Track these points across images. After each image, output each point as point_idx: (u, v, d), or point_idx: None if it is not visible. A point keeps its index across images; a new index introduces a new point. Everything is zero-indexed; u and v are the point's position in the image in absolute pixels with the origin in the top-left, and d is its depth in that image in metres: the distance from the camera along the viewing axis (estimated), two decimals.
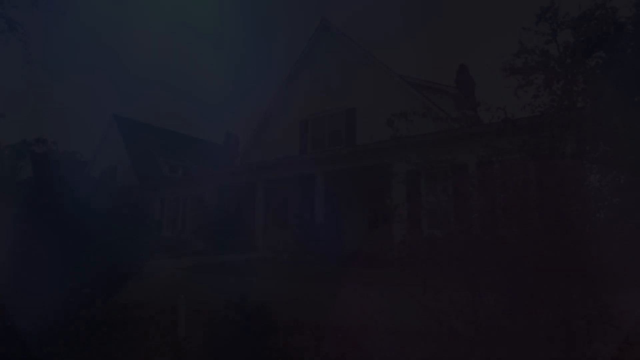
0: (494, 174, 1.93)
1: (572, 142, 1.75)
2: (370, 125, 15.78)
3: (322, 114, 17.50)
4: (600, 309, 1.25)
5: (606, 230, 1.30)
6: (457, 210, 1.84)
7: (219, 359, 2.76)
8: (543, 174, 1.56)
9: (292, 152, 18.06)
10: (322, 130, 17.49)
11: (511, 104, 2.12)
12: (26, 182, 3.05)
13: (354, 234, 15.64)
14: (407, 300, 1.68)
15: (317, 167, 14.10)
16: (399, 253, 1.89)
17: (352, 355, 2.73)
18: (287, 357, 2.78)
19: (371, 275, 7.63)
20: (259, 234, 15.62)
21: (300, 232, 12.82)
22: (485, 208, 1.78)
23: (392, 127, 1.79)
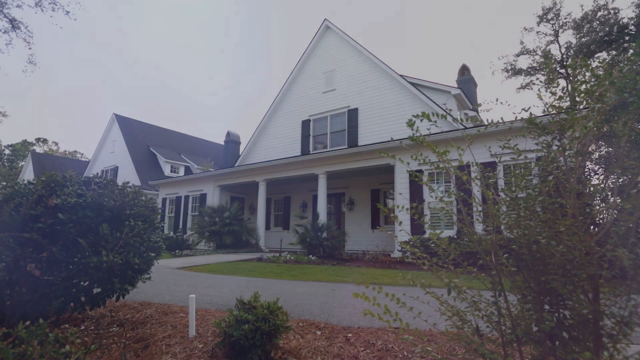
0: (510, 173, 1.94)
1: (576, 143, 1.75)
2: (372, 125, 15.83)
3: (324, 113, 17.51)
4: (630, 308, 1.27)
5: (634, 231, 1.31)
6: (467, 211, 1.85)
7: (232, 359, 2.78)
8: (565, 173, 1.57)
9: (293, 152, 18.08)
10: (324, 130, 17.48)
11: (513, 103, 2.13)
12: (40, 181, 3.04)
13: (356, 234, 15.71)
14: (428, 300, 1.68)
15: (319, 167, 14.10)
16: (404, 252, 1.88)
17: (365, 355, 2.74)
18: (299, 358, 2.79)
19: (378, 274, 7.67)
20: (260, 233, 15.63)
21: (303, 232, 12.81)
22: (500, 208, 1.78)
23: (412, 127, 1.79)
